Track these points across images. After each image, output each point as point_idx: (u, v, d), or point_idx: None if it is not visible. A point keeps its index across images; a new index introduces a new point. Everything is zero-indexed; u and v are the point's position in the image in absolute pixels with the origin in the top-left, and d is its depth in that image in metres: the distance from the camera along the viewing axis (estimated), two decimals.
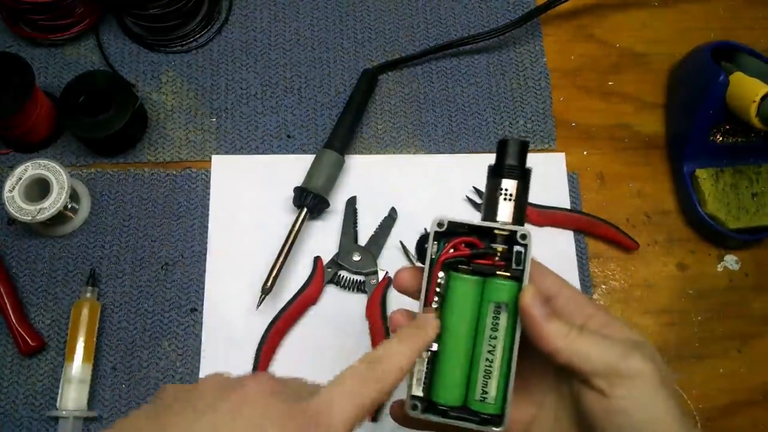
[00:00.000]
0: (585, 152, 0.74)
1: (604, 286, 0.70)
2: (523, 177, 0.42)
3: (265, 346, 0.63)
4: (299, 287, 0.66)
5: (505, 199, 0.41)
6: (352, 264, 0.67)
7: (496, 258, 0.40)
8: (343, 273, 0.67)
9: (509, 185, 0.41)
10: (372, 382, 0.35)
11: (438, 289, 0.41)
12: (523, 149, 0.42)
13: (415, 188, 0.71)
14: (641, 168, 0.74)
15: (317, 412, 0.33)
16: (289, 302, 0.65)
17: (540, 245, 0.67)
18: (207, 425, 0.32)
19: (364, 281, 0.67)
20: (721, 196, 0.70)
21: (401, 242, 0.68)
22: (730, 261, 0.71)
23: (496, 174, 0.42)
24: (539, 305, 0.38)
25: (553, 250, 0.69)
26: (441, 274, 0.41)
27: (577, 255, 0.69)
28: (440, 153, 0.73)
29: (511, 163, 0.42)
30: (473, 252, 0.40)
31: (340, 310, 0.66)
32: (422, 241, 0.41)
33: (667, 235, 0.72)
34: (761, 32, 0.80)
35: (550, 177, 0.72)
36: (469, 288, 0.40)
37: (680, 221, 0.72)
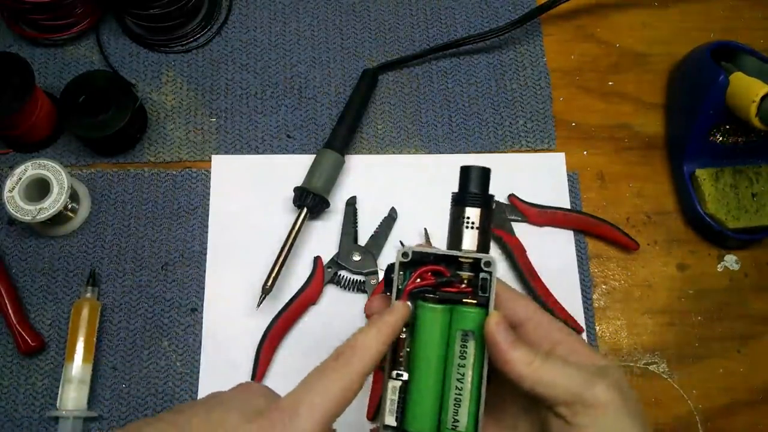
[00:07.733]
0: (585, 152, 0.74)
1: (604, 286, 0.70)
2: (486, 204, 0.42)
3: (265, 345, 0.63)
4: (299, 287, 0.66)
5: (467, 227, 0.41)
6: (352, 264, 0.67)
7: (463, 285, 0.40)
8: (343, 273, 0.67)
9: (472, 213, 0.41)
10: (338, 372, 0.36)
11: None
12: (485, 176, 0.42)
13: (415, 188, 0.71)
14: (641, 168, 0.74)
15: (285, 408, 0.34)
16: (289, 302, 0.65)
17: (540, 245, 0.69)
18: (181, 420, 0.36)
19: (364, 281, 0.67)
20: (721, 196, 0.70)
21: (401, 242, 0.68)
22: (730, 261, 0.71)
23: (459, 202, 0.42)
24: (503, 331, 0.38)
25: (553, 250, 0.69)
26: (408, 303, 0.40)
27: (577, 255, 0.69)
28: (440, 153, 0.73)
29: (473, 191, 0.42)
30: (438, 280, 0.40)
31: (340, 310, 0.66)
32: (389, 270, 0.41)
33: (667, 235, 0.72)
34: (761, 32, 0.80)
35: (550, 177, 0.72)
36: (436, 316, 0.40)
37: (680, 221, 0.72)
